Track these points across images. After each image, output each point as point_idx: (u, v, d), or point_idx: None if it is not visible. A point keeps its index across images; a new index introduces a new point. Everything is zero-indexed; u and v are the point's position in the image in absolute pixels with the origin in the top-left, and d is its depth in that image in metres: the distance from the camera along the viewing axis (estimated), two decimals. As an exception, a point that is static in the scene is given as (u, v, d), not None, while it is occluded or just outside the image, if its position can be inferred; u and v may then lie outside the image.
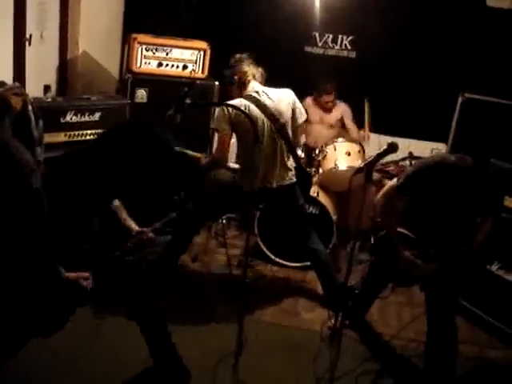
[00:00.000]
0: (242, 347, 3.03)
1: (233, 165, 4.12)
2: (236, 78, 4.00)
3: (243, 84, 3.98)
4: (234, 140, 4.03)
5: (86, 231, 3.06)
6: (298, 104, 4.10)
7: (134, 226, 3.40)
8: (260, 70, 4.06)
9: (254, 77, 4.01)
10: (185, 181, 4.40)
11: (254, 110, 3.85)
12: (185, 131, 3.94)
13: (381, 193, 3.48)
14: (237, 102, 3.84)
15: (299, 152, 5.05)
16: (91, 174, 2.92)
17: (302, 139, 4.33)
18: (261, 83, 4.05)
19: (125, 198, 3.43)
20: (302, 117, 4.11)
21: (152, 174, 3.16)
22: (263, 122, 3.88)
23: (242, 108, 3.62)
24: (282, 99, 4.00)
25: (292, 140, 4.06)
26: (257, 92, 3.96)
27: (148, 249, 3.55)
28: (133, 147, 2.93)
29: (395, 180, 3.44)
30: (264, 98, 3.94)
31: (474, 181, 3.20)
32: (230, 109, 3.80)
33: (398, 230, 3.43)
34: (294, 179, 4.13)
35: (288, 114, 4.01)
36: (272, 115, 3.92)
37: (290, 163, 4.12)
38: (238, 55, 4.08)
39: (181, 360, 3.27)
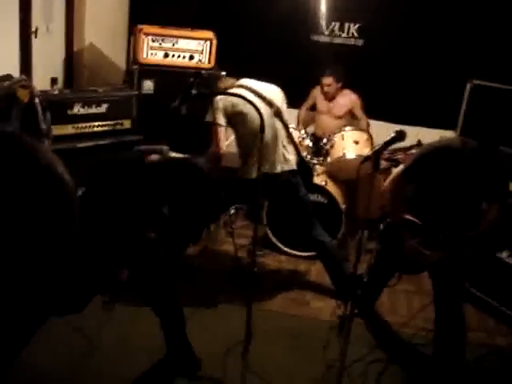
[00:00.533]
0: (251, 336, 3.03)
1: (232, 165, 4.14)
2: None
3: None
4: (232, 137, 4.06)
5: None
6: (285, 102, 4.15)
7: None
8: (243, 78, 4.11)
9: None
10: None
11: (250, 95, 3.85)
12: (190, 124, 3.96)
13: (388, 180, 3.47)
14: (232, 91, 3.87)
15: (307, 142, 5.07)
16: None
17: (308, 128, 4.32)
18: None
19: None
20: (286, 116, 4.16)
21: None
22: (261, 107, 3.87)
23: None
24: (272, 89, 4.06)
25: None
26: (246, 82, 4.02)
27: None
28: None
29: (401, 167, 3.43)
30: (254, 86, 3.98)
31: (478, 165, 3.19)
32: (226, 101, 3.83)
33: (406, 216, 3.41)
34: (295, 167, 4.13)
35: (279, 101, 4.04)
36: (267, 100, 3.95)
37: (290, 149, 4.12)
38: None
39: (193, 350, 3.29)
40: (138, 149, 4.17)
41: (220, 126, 3.89)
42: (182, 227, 3.45)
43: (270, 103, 3.96)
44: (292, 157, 4.12)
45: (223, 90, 4.01)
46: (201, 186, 3.22)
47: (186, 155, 4.26)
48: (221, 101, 3.87)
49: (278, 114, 4.00)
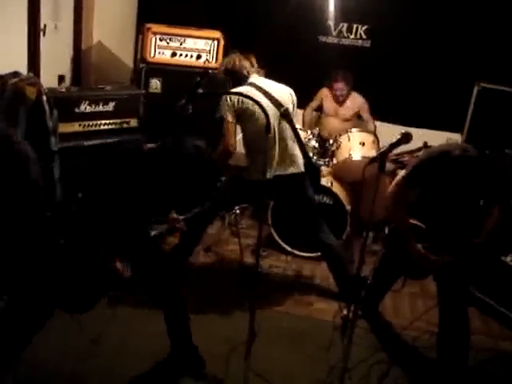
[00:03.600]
0: (255, 336, 3.04)
1: (235, 161, 4.14)
2: (233, 77, 4.04)
3: (241, 78, 4.01)
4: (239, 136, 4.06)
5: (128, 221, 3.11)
6: (296, 104, 4.15)
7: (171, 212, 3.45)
8: (251, 59, 4.09)
9: (248, 69, 4.04)
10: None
11: (259, 95, 3.86)
12: (197, 122, 3.96)
13: (391, 186, 3.47)
14: (242, 89, 3.88)
15: (313, 142, 5.06)
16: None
17: (315, 129, 4.32)
18: (258, 74, 4.09)
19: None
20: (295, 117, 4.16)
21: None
22: (268, 107, 3.86)
23: (249, 95, 3.63)
24: (282, 89, 4.06)
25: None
26: (258, 80, 4.00)
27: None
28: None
29: (403, 172, 3.43)
30: (266, 85, 3.98)
31: (479, 172, 3.19)
32: (234, 97, 3.84)
33: (411, 221, 3.41)
34: (303, 169, 4.13)
35: (288, 103, 4.03)
36: (275, 100, 3.95)
37: (297, 150, 4.12)
38: (226, 58, 4.17)
39: (197, 349, 3.30)
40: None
41: (228, 122, 3.89)
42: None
43: (278, 104, 3.95)
44: (300, 158, 4.12)
45: (237, 67, 4.01)
46: (201, 168, 3.20)
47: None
48: (230, 96, 3.87)
49: (286, 115, 3.99)
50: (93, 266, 2.77)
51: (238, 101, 3.84)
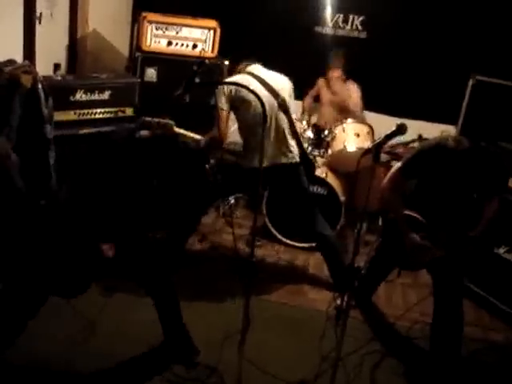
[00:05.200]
0: (249, 324, 3.06)
1: (233, 146, 4.14)
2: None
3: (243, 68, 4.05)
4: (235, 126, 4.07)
5: (117, 205, 3.13)
6: (293, 96, 4.17)
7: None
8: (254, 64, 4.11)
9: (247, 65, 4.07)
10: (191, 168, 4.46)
11: (257, 85, 3.86)
12: (192, 110, 3.96)
13: (386, 176, 3.49)
14: (238, 77, 3.92)
15: (309, 133, 5.07)
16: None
17: (312, 120, 4.33)
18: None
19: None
20: (293, 107, 4.18)
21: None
22: (265, 96, 3.86)
23: (245, 83, 3.63)
24: (279, 79, 4.07)
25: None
26: (256, 69, 4.02)
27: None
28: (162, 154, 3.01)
29: (399, 163, 3.45)
30: (263, 74, 3.99)
31: (474, 163, 3.22)
32: (231, 86, 3.84)
33: (408, 213, 3.43)
34: (298, 159, 4.14)
35: (286, 92, 4.05)
36: (273, 90, 3.95)
37: (293, 141, 4.13)
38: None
39: (190, 338, 3.32)
40: (144, 120, 4.15)
41: (222, 110, 3.90)
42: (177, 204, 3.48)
43: (275, 94, 3.97)
44: (295, 148, 4.13)
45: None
46: (190, 160, 3.21)
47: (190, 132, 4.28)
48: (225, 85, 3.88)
49: (283, 105, 4.00)
50: (80, 248, 2.78)
51: (235, 89, 3.84)
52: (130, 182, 3.07)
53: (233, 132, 4.17)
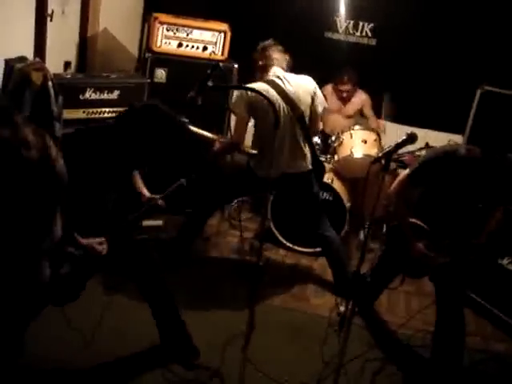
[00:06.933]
0: (253, 328, 3.06)
1: (250, 150, 4.14)
2: (260, 62, 4.02)
3: (265, 68, 3.99)
4: (251, 124, 4.05)
5: (103, 201, 3.12)
6: (319, 92, 4.09)
7: (146, 192, 3.45)
8: (286, 57, 4.06)
9: (277, 62, 4.01)
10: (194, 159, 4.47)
11: (274, 94, 3.83)
12: (203, 112, 3.97)
13: (394, 183, 3.49)
14: (257, 85, 3.83)
15: (316, 139, 5.08)
16: (112, 149, 2.99)
17: (320, 127, 4.34)
18: (283, 69, 4.03)
19: (140, 169, 3.52)
20: (321, 105, 4.10)
21: (166, 151, 3.17)
22: (281, 108, 3.85)
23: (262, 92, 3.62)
24: (302, 85, 3.99)
25: (309, 128, 4.06)
26: (278, 77, 3.95)
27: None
28: (149, 128, 2.96)
29: (407, 170, 3.46)
30: (285, 84, 3.92)
31: (483, 173, 3.21)
32: (249, 91, 3.79)
33: (412, 220, 3.44)
34: (310, 167, 4.14)
35: (307, 101, 3.99)
36: (292, 102, 3.90)
37: (307, 150, 4.11)
38: (266, 42, 4.10)
39: (190, 338, 3.33)
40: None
41: (239, 115, 3.89)
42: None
43: (294, 106, 3.91)
44: (308, 156, 4.11)
45: (267, 57, 4.00)
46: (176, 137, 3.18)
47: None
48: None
49: (301, 116, 3.96)
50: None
51: (254, 97, 3.75)
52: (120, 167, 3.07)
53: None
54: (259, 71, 4.01)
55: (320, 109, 4.10)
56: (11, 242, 1.67)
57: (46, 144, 1.64)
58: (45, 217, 1.70)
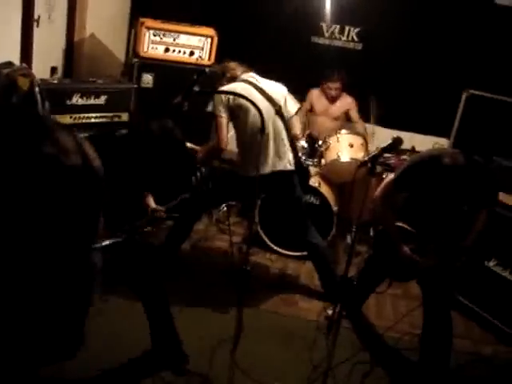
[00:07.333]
0: (241, 331, 3.06)
1: (228, 156, 4.16)
2: (228, 75, 4.06)
3: (233, 77, 4.04)
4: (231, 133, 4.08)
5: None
6: (290, 96, 4.17)
7: (152, 203, 3.48)
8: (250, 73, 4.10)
9: (243, 70, 4.07)
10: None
11: (254, 92, 3.88)
12: (190, 118, 3.98)
13: (379, 187, 3.51)
14: (236, 85, 3.90)
15: (303, 143, 5.09)
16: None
17: (298, 131, 4.36)
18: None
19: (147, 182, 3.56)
20: (294, 107, 4.18)
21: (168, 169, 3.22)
22: (263, 105, 3.84)
23: (242, 91, 3.64)
24: (273, 86, 4.07)
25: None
26: (251, 77, 4.02)
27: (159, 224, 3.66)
28: (161, 150, 3.01)
29: (392, 175, 3.47)
30: (259, 82, 4.00)
31: (467, 178, 3.22)
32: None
33: (399, 224, 3.46)
34: (293, 167, 4.15)
35: (280, 102, 4.05)
36: (269, 97, 3.96)
37: (288, 147, 4.13)
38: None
39: (180, 344, 3.32)
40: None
41: (221, 117, 3.90)
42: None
43: (273, 102, 3.97)
44: (291, 157, 4.14)
45: (229, 73, 4.04)
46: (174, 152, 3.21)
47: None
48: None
49: (279, 113, 4.01)
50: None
51: (233, 97, 3.82)
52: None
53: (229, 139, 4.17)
54: (228, 81, 4.05)
55: (293, 111, 4.16)
56: (71, 245, 1.69)
57: (81, 144, 1.65)
58: (95, 216, 1.73)
